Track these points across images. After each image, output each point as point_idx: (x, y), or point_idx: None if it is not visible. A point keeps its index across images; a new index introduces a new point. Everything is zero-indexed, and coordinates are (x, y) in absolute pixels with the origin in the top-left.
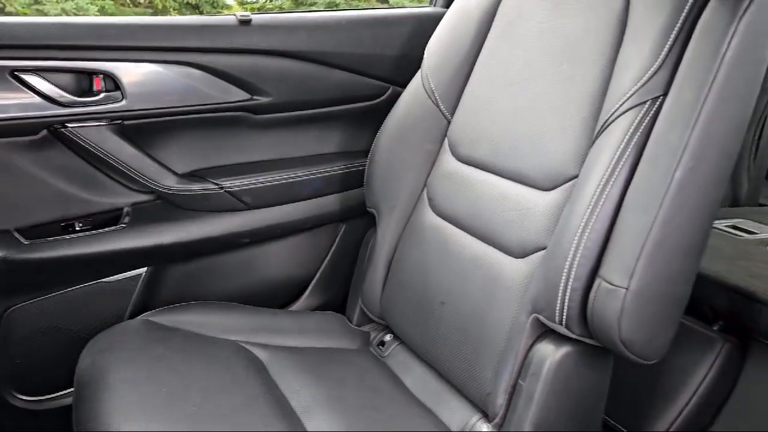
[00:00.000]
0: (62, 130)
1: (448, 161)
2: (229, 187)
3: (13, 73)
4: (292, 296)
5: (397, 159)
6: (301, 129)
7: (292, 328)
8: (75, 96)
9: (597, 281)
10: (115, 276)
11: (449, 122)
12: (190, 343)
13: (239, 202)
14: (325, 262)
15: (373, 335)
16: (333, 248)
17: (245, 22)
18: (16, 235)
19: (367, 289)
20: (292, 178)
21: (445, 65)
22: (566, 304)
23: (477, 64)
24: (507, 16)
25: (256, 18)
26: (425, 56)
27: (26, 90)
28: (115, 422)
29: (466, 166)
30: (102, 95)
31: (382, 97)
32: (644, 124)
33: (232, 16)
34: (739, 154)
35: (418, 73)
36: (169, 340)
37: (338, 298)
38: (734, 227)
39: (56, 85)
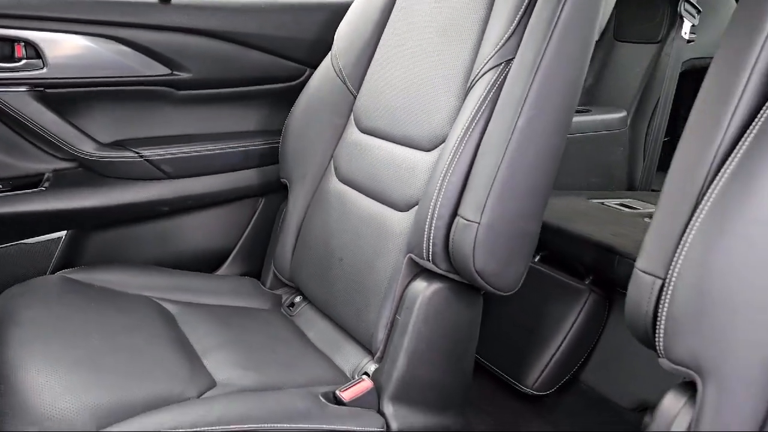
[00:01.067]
0: None
1: (352, 133)
2: (149, 156)
3: None
4: (213, 266)
5: (308, 132)
6: (221, 106)
7: (206, 289)
8: None
9: (456, 219)
10: (36, 238)
11: (355, 98)
12: (102, 296)
13: (158, 171)
14: (246, 233)
15: (285, 297)
16: (253, 220)
17: (165, 1)
18: None
19: (279, 254)
20: (212, 151)
21: (352, 47)
22: (431, 240)
23: (379, 45)
24: (404, 2)
25: None
26: (335, 39)
27: None
28: (17, 354)
29: (366, 135)
30: (23, 62)
31: (300, 79)
32: (498, 82)
33: None
34: (635, 144)
35: (329, 55)
36: (81, 293)
37: (258, 267)
38: (622, 205)
39: None
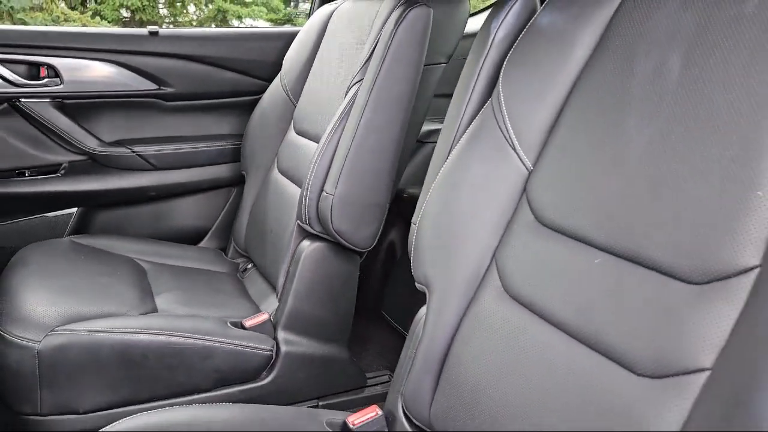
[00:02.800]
0: (17, 103)
1: (290, 134)
2: (140, 152)
3: None
4: (194, 240)
5: (261, 134)
6: (200, 114)
7: (177, 255)
8: (26, 80)
9: (322, 193)
10: (54, 212)
11: (295, 106)
12: (94, 254)
13: (148, 164)
14: (220, 216)
15: (241, 265)
16: (226, 207)
17: (154, 34)
18: None
19: (236, 230)
20: (192, 149)
21: (294, 67)
22: (307, 209)
23: (313, 65)
24: (330, 33)
25: (163, 31)
26: (284, 61)
27: None
28: (20, 281)
29: (298, 136)
30: (45, 80)
31: (262, 94)
32: (354, 94)
33: (145, 29)
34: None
35: (279, 74)
36: (79, 251)
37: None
38: None
39: (14, 72)
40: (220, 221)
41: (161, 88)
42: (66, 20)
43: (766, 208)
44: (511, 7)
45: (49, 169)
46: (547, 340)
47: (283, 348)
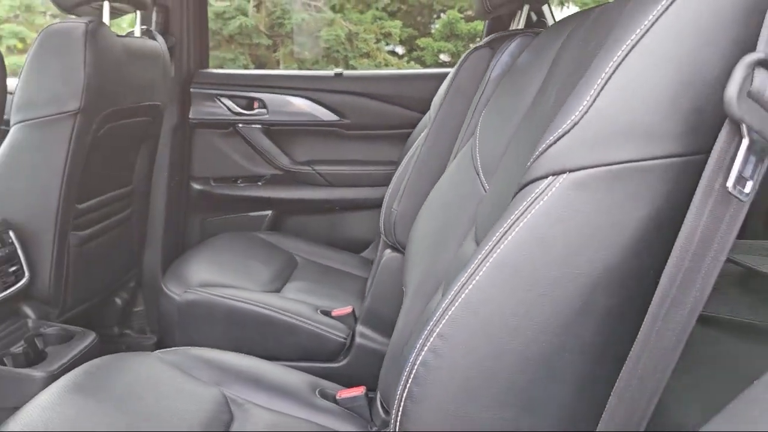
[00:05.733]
0: (237, 128)
1: None
2: (320, 171)
3: (217, 97)
4: (361, 249)
5: None
6: (370, 142)
7: (330, 257)
8: (243, 110)
9: (392, 209)
10: (254, 212)
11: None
12: (264, 245)
13: (324, 180)
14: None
15: None
16: None
17: (339, 75)
18: (211, 181)
19: None
20: (362, 170)
21: (436, 102)
22: (383, 222)
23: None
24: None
25: (346, 73)
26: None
27: (222, 106)
28: (193, 254)
29: None
30: (257, 111)
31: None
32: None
33: (331, 72)
34: None
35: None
36: (255, 241)
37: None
38: None
39: (236, 104)
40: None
41: (341, 119)
42: (386, 65)
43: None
44: (507, 48)
45: (255, 179)
46: None
47: (357, 339)
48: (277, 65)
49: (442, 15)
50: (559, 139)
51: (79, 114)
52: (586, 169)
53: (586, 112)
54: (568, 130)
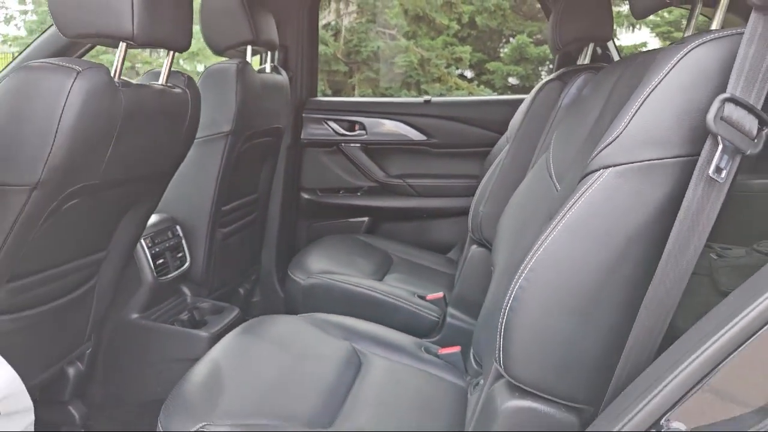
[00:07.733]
0: (340, 147)
1: None
2: (411, 183)
3: (324, 120)
4: (445, 251)
5: None
6: (454, 158)
7: (420, 256)
8: (346, 131)
9: (480, 210)
10: (354, 218)
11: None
12: (363, 245)
13: (414, 191)
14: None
15: None
16: None
17: (427, 102)
18: (318, 191)
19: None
20: (446, 183)
21: (513, 124)
22: (471, 221)
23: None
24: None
25: (434, 99)
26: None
27: (329, 128)
28: (311, 249)
29: None
30: (357, 132)
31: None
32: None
33: (421, 99)
34: None
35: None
36: (355, 242)
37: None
38: None
39: (340, 126)
40: (462, 240)
41: (429, 139)
42: (457, 88)
43: None
44: (575, 82)
45: (354, 190)
46: None
47: (448, 319)
48: (352, 91)
49: (511, 39)
50: (607, 146)
51: (230, 135)
52: (623, 165)
53: (625, 128)
54: (614, 140)
